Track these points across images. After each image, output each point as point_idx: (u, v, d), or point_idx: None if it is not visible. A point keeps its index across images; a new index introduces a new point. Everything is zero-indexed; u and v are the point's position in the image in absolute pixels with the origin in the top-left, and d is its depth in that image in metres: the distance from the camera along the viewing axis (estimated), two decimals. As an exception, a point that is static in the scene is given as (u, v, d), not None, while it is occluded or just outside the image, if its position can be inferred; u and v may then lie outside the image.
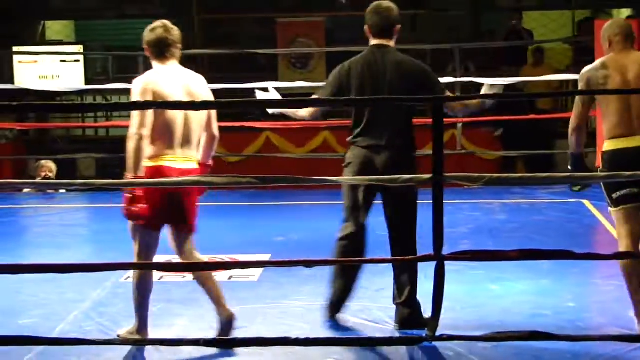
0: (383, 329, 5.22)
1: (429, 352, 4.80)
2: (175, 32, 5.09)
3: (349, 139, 5.31)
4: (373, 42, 5.30)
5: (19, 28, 15.22)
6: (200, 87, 5.05)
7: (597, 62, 5.34)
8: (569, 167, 5.36)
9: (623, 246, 5.08)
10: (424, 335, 4.33)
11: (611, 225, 7.68)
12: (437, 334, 4.26)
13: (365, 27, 5.31)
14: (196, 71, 5.21)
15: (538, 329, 4.71)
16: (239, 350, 4.81)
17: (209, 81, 5.36)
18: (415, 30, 15.41)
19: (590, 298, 5.85)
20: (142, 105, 4.75)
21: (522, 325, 5.22)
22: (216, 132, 5.11)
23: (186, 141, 4.94)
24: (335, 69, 5.37)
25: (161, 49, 5.03)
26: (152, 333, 5.19)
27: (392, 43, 5.29)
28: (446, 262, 4.18)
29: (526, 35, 13.44)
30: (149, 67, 5.12)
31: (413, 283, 5.26)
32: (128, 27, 16.25)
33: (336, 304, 5.36)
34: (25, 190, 10.33)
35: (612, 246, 6.93)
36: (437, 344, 4.46)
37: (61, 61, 12.53)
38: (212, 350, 4.81)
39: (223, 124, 11.52)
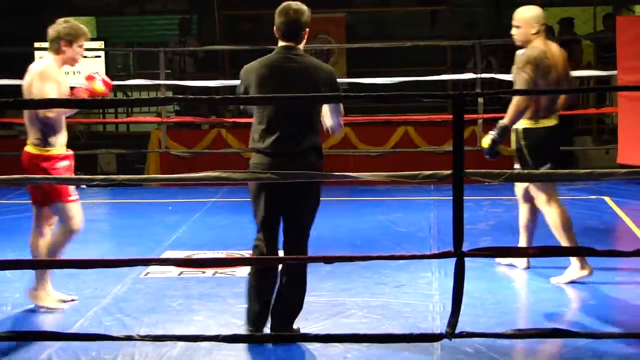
0: (402, 325, 5.21)
1: (448, 349, 4.79)
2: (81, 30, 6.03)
3: (251, 145, 5.10)
4: (281, 43, 5.09)
5: (40, 24, 15.28)
6: (32, 77, 5.82)
7: (540, 49, 6.01)
8: (495, 136, 5.82)
9: (553, 207, 6.03)
10: (444, 332, 4.31)
11: (632, 222, 7.64)
12: (457, 331, 4.24)
13: (274, 28, 5.11)
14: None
15: (559, 327, 4.69)
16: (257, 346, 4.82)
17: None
18: (435, 26, 15.37)
19: (611, 295, 5.81)
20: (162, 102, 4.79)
21: (542, 322, 5.21)
22: (49, 113, 5.81)
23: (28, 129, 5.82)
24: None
25: None
26: (171, 328, 5.20)
27: (300, 45, 5.10)
28: (466, 259, 4.16)
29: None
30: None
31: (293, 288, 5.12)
32: (149, 24, 16.32)
33: (256, 323, 5.09)
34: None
35: (633, 243, 6.91)
36: (456, 341, 4.44)
37: (82, 57, 12.54)
38: (230, 346, 4.82)
39: (243, 120, 11.64)
